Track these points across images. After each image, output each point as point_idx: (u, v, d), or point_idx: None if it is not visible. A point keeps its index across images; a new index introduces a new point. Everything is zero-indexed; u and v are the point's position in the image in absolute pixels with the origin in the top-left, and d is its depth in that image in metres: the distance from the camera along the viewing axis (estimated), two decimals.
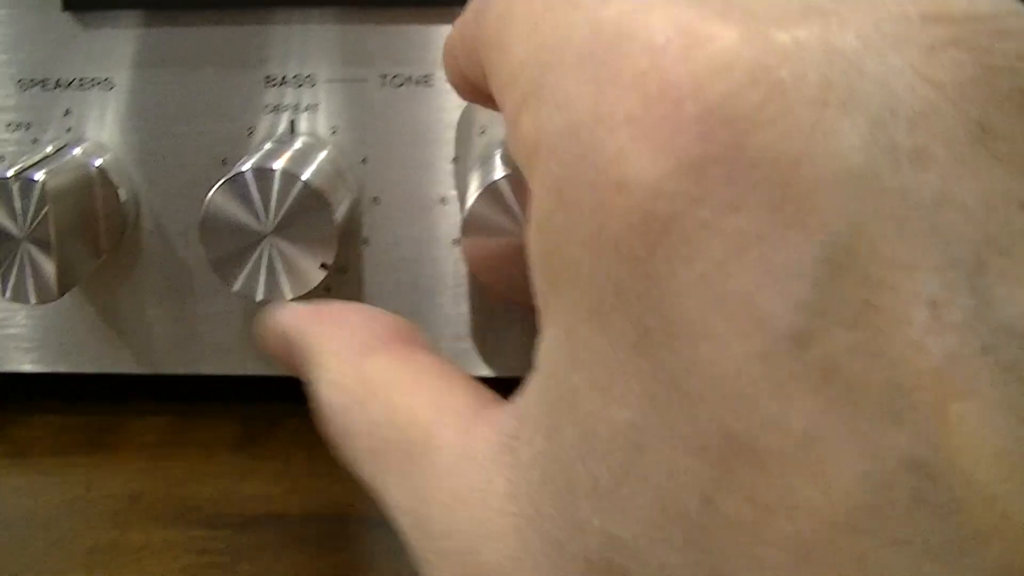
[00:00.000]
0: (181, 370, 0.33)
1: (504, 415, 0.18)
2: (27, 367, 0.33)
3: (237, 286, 0.28)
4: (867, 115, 0.14)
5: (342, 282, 0.31)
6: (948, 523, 0.13)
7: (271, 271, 0.27)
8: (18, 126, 0.31)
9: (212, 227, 0.27)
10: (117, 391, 0.35)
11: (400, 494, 0.19)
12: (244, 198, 0.27)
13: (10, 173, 0.28)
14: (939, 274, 0.14)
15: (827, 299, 0.14)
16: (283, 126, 0.31)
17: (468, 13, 0.21)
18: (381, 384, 0.20)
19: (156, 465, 0.32)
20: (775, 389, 0.14)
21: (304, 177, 0.27)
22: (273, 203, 0.27)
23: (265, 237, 0.27)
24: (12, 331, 0.33)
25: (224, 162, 0.31)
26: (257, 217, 0.27)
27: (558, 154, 0.16)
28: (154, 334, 0.33)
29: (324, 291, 0.28)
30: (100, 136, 0.31)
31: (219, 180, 0.28)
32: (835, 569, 0.13)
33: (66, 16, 0.30)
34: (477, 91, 0.22)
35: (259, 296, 0.28)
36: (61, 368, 0.33)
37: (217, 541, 0.28)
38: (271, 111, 0.31)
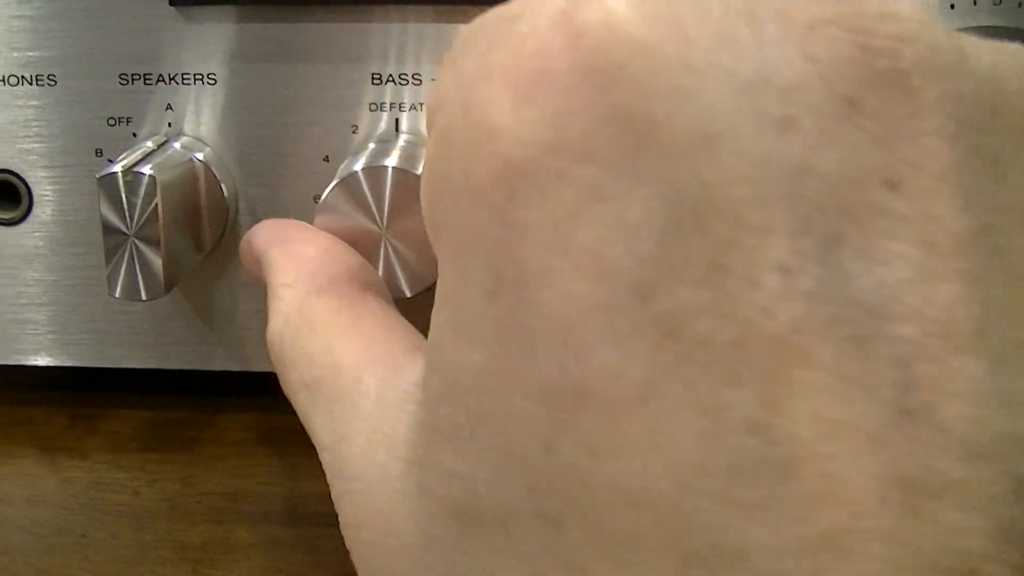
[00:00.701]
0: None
1: (420, 364, 0.18)
2: (123, 363, 0.33)
3: None
4: (735, 81, 0.14)
5: None
6: (780, 489, 0.13)
7: (388, 268, 0.27)
8: (118, 120, 0.31)
9: (326, 228, 0.27)
10: (205, 387, 0.35)
11: (324, 431, 0.20)
12: (358, 198, 0.27)
13: (118, 168, 0.28)
14: (792, 241, 0.14)
15: (673, 256, 0.14)
16: (384, 124, 0.31)
17: None
18: (323, 323, 0.21)
19: (251, 462, 0.32)
20: (616, 339, 0.14)
21: (419, 173, 0.27)
22: (387, 201, 0.27)
23: (381, 236, 0.27)
24: (106, 327, 0.33)
25: (327, 159, 0.31)
26: (372, 216, 0.27)
27: (448, 106, 0.16)
28: (250, 331, 0.33)
29: None
30: (199, 131, 0.31)
31: (319, 176, 0.28)
32: (667, 525, 0.13)
33: (171, 11, 0.30)
34: None
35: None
36: (155, 364, 0.33)
37: (327, 540, 0.28)
38: (375, 109, 0.31)
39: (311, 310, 0.22)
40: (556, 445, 0.14)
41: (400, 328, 0.21)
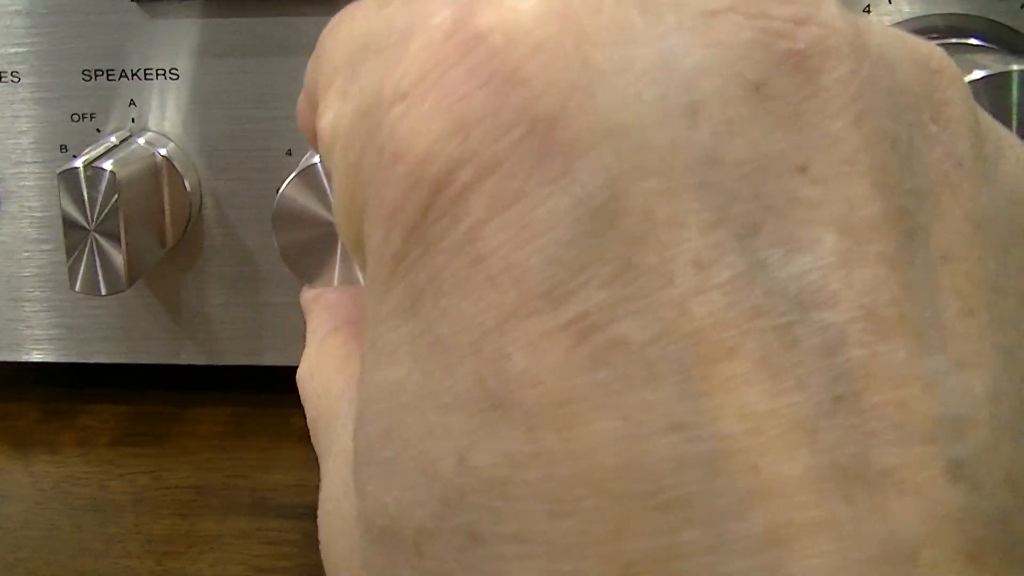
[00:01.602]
0: (244, 361, 0.33)
1: None
2: (92, 358, 0.33)
3: (310, 277, 0.28)
4: (636, 71, 0.14)
5: None
6: (711, 487, 0.13)
7: (345, 262, 0.27)
8: (81, 116, 0.31)
9: (285, 220, 0.27)
10: (180, 382, 0.35)
11: (322, 462, 0.20)
12: (316, 190, 0.27)
13: (79, 163, 0.28)
14: (706, 233, 0.13)
15: (584, 256, 0.13)
16: None
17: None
18: (328, 359, 0.22)
19: (221, 456, 0.32)
20: (530, 345, 0.13)
21: None
22: None
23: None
24: (77, 321, 0.33)
25: (289, 153, 0.31)
26: (330, 208, 0.27)
27: (352, 137, 0.16)
28: (218, 325, 0.33)
29: None
30: (163, 126, 0.31)
31: (283, 170, 0.28)
32: (596, 533, 0.13)
33: (135, 7, 0.30)
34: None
35: (335, 285, 0.28)
36: (125, 359, 0.33)
37: (290, 532, 0.28)
38: None
39: (323, 350, 0.22)
40: (471, 457, 0.14)
41: None
